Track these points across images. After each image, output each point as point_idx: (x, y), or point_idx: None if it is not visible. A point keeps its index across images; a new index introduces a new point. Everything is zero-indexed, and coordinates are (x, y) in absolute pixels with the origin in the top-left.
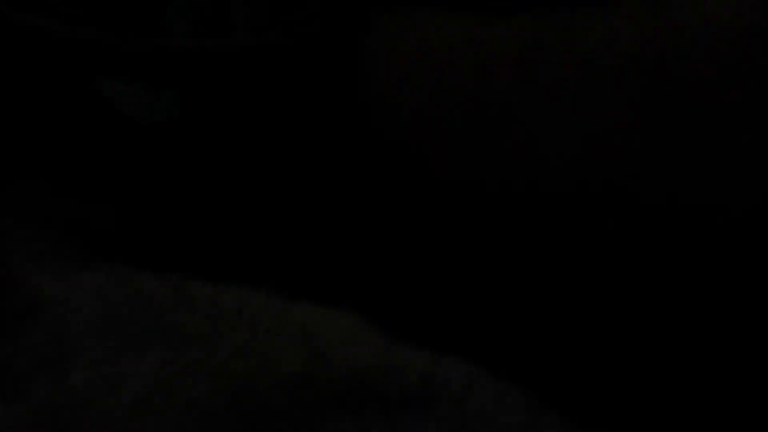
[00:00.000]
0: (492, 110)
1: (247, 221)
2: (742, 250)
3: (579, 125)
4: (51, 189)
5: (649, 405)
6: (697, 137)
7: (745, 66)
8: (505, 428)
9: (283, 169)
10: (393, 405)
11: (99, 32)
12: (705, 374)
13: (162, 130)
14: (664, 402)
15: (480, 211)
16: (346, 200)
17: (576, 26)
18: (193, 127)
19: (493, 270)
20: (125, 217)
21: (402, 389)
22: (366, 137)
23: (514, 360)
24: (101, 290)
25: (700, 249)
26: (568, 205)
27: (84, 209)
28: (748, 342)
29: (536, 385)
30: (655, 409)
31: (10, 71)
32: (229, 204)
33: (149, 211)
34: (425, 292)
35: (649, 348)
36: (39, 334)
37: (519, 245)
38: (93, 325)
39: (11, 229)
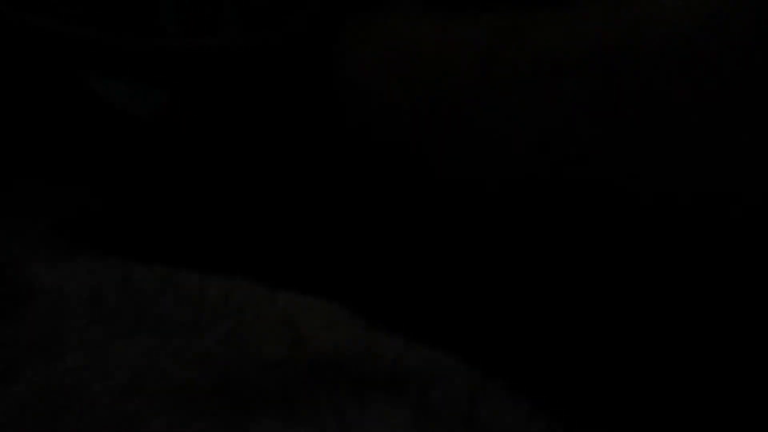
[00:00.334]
0: (457, 104)
1: (231, 212)
2: (687, 247)
3: (536, 118)
4: (40, 178)
5: (633, 401)
6: (647, 132)
7: (699, 63)
8: (462, 415)
9: (267, 162)
10: (366, 386)
11: (90, 30)
12: (700, 375)
13: (151, 124)
14: (655, 400)
15: (447, 199)
16: (326, 192)
17: (537, 25)
18: (181, 122)
19: (463, 260)
20: (114, 206)
21: (375, 372)
22: (341, 131)
23: (496, 352)
24: (91, 279)
25: (651, 241)
26: (526, 193)
27: (73, 199)
28: (742, 342)
29: (528, 385)
30: (643, 406)
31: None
32: (215, 196)
33: (138, 201)
34: (401, 283)
35: (633, 343)
36: (33, 320)
37: (485, 235)
38: (84, 313)
39: (3, 217)
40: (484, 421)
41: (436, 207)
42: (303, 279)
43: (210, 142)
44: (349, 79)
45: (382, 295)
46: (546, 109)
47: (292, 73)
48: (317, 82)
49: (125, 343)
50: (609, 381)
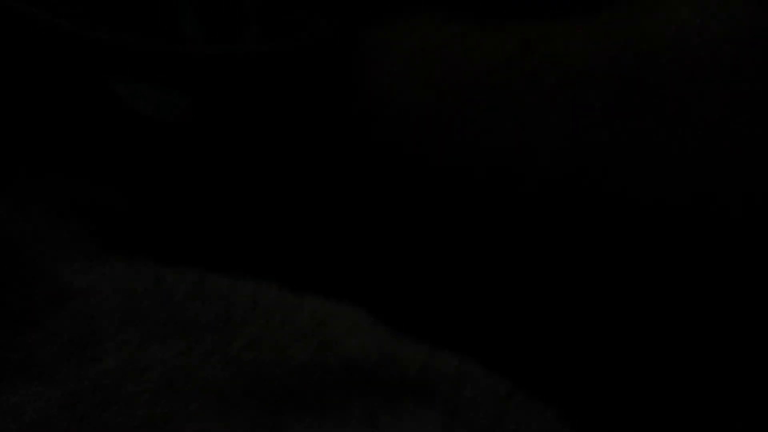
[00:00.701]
0: (482, 108)
1: (254, 215)
2: (687, 253)
3: (557, 125)
4: (69, 182)
5: (638, 403)
6: (665, 140)
7: (718, 73)
8: (492, 419)
9: (289, 166)
10: (397, 391)
11: (115, 35)
12: (695, 376)
13: (174, 128)
14: (654, 401)
15: (469, 202)
16: (347, 196)
17: (559, 33)
18: (204, 126)
19: (486, 264)
20: (142, 208)
21: (403, 377)
22: (364, 137)
23: (507, 353)
24: (123, 283)
25: (657, 246)
26: (548, 196)
27: (102, 201)
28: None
29: (529, 380)
30: (644, 407)
31: (26, 68)
32: (238, 198)
33: (164, 203)
34: (425, 286)
35: (651, 348)
36: (68, 322)
37: (509, 237)
38: (117, 316)
39: (36, 219)
40: (515, 426)
41: (460, 213)
42: (328, 283)
43: (233, 146)
44: (372, 85)
45: (406, 302)
46: (567, 117)
47: (314, 78)
48: (339, 87)
49: (158, 346)
50: (629, 384)
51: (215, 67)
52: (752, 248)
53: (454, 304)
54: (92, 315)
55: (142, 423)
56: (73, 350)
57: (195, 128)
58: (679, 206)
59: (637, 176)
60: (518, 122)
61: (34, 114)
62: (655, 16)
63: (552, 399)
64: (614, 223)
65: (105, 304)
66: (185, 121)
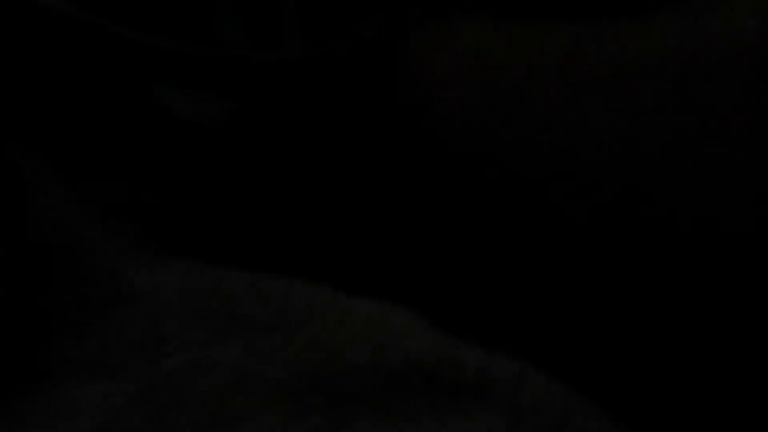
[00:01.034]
0: (536, 108)
1: (299, 218)
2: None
3: (612, 123)
4: (118, 186)
5: (693, 410)
6: (721, 142)
7: None
8: (553, 420)
9: (332, 167)
10: (454, 393)
11: (160, 39)
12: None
13: (216, 132)
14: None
15: (521, 202)
16: (392, 199)
17: (611, 36)
18: (245, 129)
19: (532, 267)
20: (187, 212)
21: (461, 379)
22: (410, 139)
23: (557, 359)
24: (184, 284)
25: (703, 256)
26: (599, 197)
27: (150, 205)
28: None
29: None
30: (698, 415)
31: (70, 72)
32: (280, 200)
33: (209, 208)
34: (476, 289)
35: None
36: (135, 321)
37: (559, 243)
38: (181, 316)
39: (95, 223)
40: (578, 427)
41: (512, 216)
42: (378, 286)
43: (277, 150)
44: (421, 87)
45: (457, 304)
46: (622, 115)
47: (356, 82)
48: (384, 91)
49: (222, 345)
50: (682, 396)
51: (259, 74)
52: None
53: (505, 308)
54: (158, 315)
55: (214, 421)
56: (142, 349)
57: (238, 132)
58: (734, 231)
59: (688, 191)
60: (573, 121)
61: (80, 118)
62: (713, 19)
63: (605, 403)
64: (666, 222)
65: (169, 305)
66: (228, 125)
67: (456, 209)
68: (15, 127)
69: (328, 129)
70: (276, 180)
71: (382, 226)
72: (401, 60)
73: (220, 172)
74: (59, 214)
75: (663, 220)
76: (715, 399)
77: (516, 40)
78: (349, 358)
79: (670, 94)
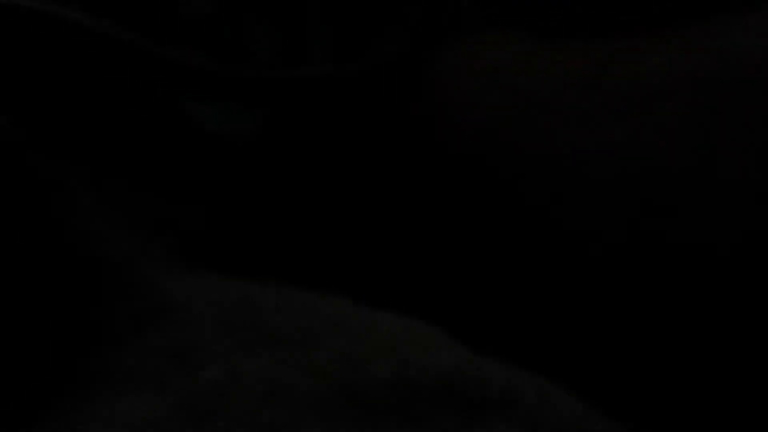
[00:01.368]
0: (565, 122)
1: (322, 230)
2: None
3: (634, 144)
4: (147, 200)
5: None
6: (748, 159)
7: None
8: None
9: (358, 180)
10: (478, 409)
11: (191, 56)
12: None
13: (244, 145)
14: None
15: (550, 216)
16: (418, 212)
17: (638, 52)
18: (274, 143)
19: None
20: (215, 224)
21: (486, 395)
22: (435, 152)
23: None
24: (215, 296)
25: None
26: (626, 211)
27: (179, 218)
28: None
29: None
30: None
31: (106, 87)
32: (306, 213)
33: (241, 219)
34: (500, 305)
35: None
36: (171, 333)
37: (583, 259)
38: (213, 328)
39: (128, 236)
40: None
41: (539, 232)
42: (400, 299)
43: (303, 163)
44: (450, 100)
45: (479, 319)
46: (644, 135)
47: (383, 97)
48: (410, 105)
49: (252, 357)
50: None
51: (282, 90)
52: None
53: (527, 323)
54: (190, 327)
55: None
56: (177, 361)
57: (267, 146)
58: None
59: (712, 207)
60: (597, 136)
61: (112, 132)
62: (738, 35)
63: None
64: (694, 244)
65: (201, 316)
66: (257, 139)
67: (485, 223)
68: (58, 143)
69: (355, 142)
70: (303, 193)
71: (407, 239)
72: (429, 74)
73: (248, 184)
74: (102, 227)
75: (688, 236)
76: (726, 409)
77: (544, 54)
78: (375, 372)
79: (695, 110)
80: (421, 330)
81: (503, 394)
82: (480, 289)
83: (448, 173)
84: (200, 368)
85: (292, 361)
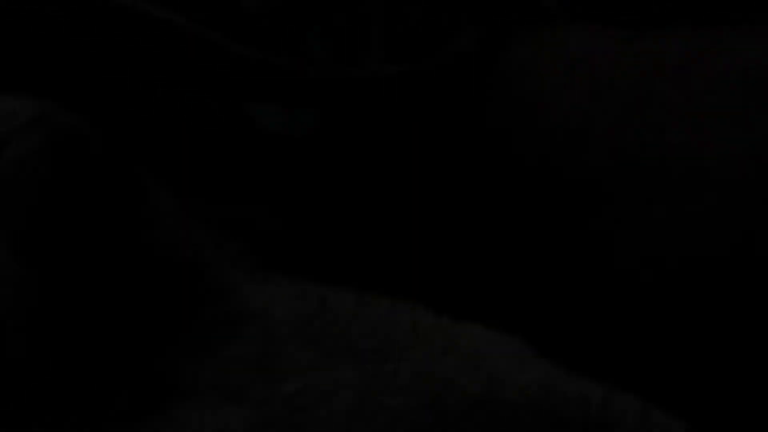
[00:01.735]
0: (650, 113)
1: (380, 229)
2: None
3: (734, 132)
4: (217, 204)
5: None
6: None
7: None
8: None
9: (417, 179)
10: (576, 429)
11: (251, 54)
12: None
13: (301, 143)
14: None
15: (639, 211)
16: (485, 213)
17: (732, 42)
18: (331, 141)
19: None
20: (291, 226)
21: (585, 415)
22: (509, 149)
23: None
24: (292, 303)
25: None
26: (722, 210)
27: (251, 220)
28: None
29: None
30: None
31: (175, 87)
32: (364, 213)
33: (307, 220)
34: (576, 314)
35: None
36: (251, 342)
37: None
38: (293, 338)
39: (205, 242)
40: None
41: (630, 220)
42: (473, 306)
43: (359, 162)
44: (526, 97)
45: (561, 330)
46: (748, 121)
47: (449, 94)
48: (477, 100)
49: (333, 370)
50: None
51: (340, 89)
52: None
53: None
54: (270, 337)
55: None
56: (257, 371)
57: (322, 142)
58: None
59: None
60: (690, 129)
61: (181, 138)
62: None
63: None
64: None
65: (279, 326)
66: (312, 136)
67: (564, 224)
68: (140, 151)
69: (422, 144)
70: (367, 192)
71: (475, 243)
72: (501, 70)
73: (307, 183)
74: (182, 233)
75: None
76: None
77: (626, 45)
78: (462, 389)
79: None
80: (504, 343)
81: (602, 413)
82: (562, 301)
83: (526, 173)
84: (280, 381)
85: (376, 376)
